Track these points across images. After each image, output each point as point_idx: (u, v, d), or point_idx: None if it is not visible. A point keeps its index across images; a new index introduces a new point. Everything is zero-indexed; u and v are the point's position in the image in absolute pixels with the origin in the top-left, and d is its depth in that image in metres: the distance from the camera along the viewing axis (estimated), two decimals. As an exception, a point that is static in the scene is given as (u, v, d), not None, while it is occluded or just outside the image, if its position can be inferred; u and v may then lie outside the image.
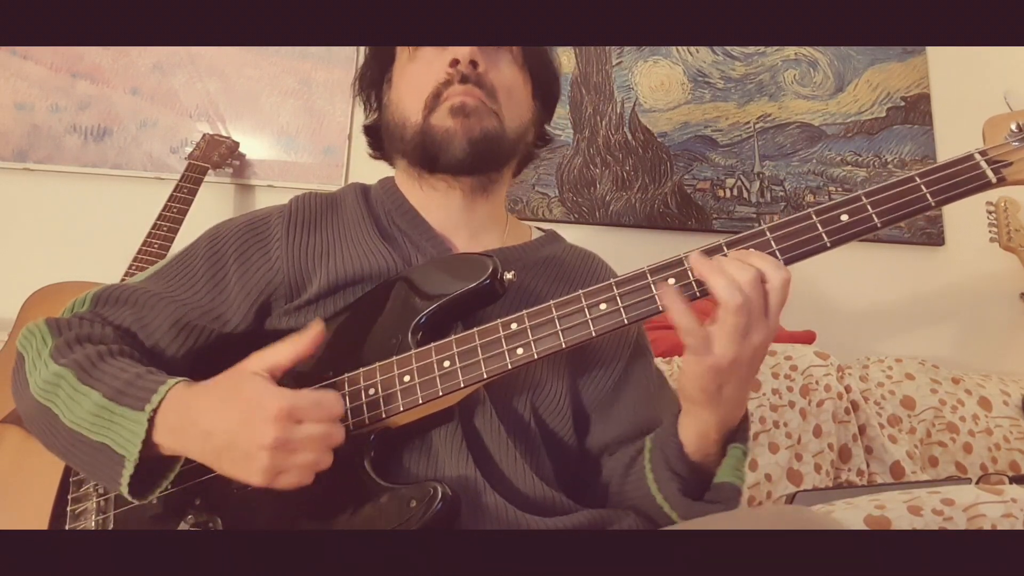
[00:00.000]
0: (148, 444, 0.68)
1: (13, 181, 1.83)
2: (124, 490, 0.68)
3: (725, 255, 0.68)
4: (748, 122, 2.00)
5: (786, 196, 1.96)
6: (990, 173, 0.67)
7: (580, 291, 0.71)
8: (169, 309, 0.83)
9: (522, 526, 0.72)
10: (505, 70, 0.90)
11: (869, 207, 0.68)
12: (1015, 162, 0.67)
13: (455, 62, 0.85)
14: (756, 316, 0.65)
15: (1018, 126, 0.67)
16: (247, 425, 0.65)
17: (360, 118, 1.01)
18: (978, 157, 0.68)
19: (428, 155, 0.87)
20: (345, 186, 0.96)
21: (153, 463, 0.70)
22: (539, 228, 1.01)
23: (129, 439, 0.68)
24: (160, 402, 0.69)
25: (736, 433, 0.75)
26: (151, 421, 0.68)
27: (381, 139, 0.97)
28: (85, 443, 0.70)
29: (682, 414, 0.75)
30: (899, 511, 0.86)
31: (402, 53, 0.91)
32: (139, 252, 1.54)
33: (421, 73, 0.88)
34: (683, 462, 0.75)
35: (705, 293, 0.68)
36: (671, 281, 0.69)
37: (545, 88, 0.97)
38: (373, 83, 0.96)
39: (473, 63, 0.85)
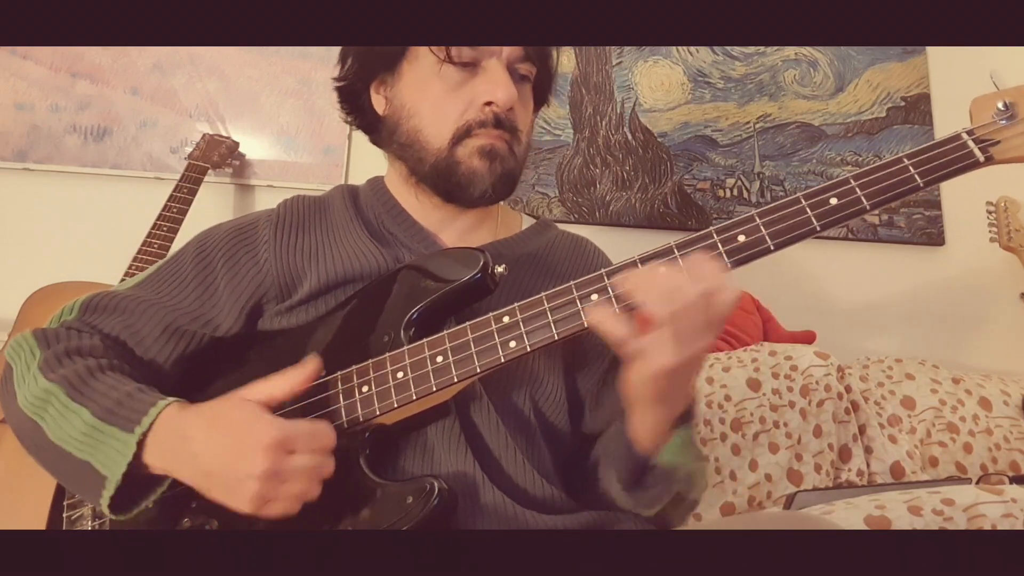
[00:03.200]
0: (137, 464, 0.68)
1: (13, 181, 1.83)
2: (104, 507, 0.68)
3: (675, 256, 0.68)
4: (748, 122, 2.00)
5: (786, 196, 1.96)
6: (978, 152, 0.67)
7: (571, 282, 0.71)
8: (159, 315, 0.83)
9: (521, 522, 0.73)
10: (527, 108, 0.90)
11: (858, 189, 0.68)
12: (1002, 140, 0.67)
13: (490, 103, 0.83)
14: (693, 325, 0.64)
15: (1005, 104, 0.67)
16: (238, 453, 0.65)
17: (336, 85, 0.98)
18: (965, 136, 0.68)
19: (448, 188, 0.86)
20: (332, 189, 0.95)
21: (141, 482, 0.70)
22: (531, 215, 1.01)
23: (115, 460, 0.68)
24: (151, 424, 0.69)
25: (680, 418, 0.74)
26: (140, 443, 0.68)
27: (356, 103, 0.94)
28: (69, 460, 0.70)
29: (629, 415, 0.74)
30: (899, 511, 0.86)
31: (423, 57, 0.86)
32: (139, 252, 1.54)
33: (447, 96, 0.85)
34: (631, 459, 0.75)
35: None
36: (662, 270, 0.68)
37: (539, 109, 0.97)
38: (381, 60, 0.91)
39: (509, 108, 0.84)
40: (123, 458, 0.68)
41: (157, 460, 0.69)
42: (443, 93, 0.85)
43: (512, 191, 0.90)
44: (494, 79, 0.84)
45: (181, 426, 0.69)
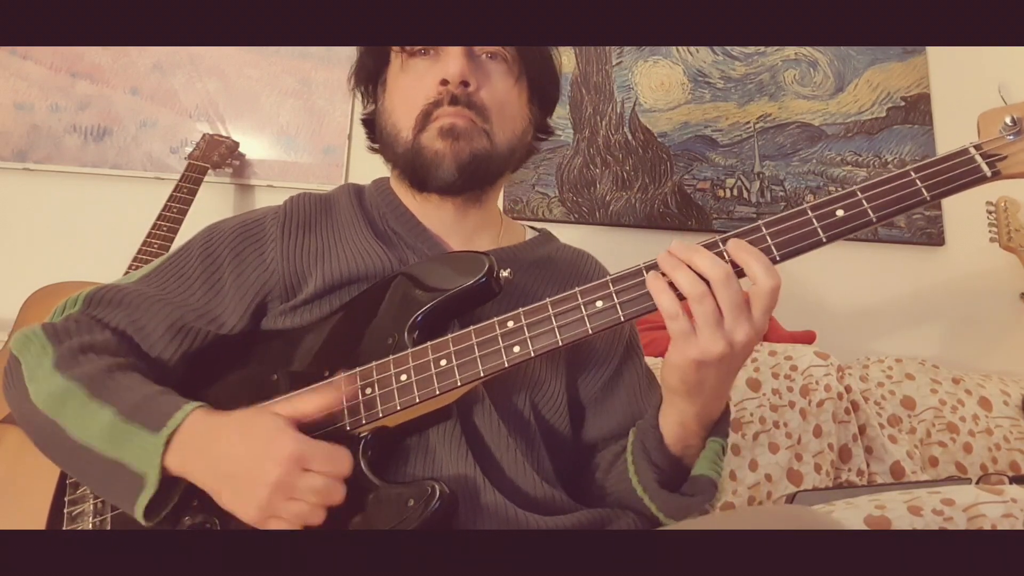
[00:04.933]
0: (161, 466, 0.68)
1: (13, 181, 1.83)
2: (139, 513, 0.68)
3: (720, 251, 0.68)
4: (748, 122, 2.00)
5: (786, 196, 1.96)
6: (985, 167, 0.67)
7: (576, 288, 0.71)
8: (164, 311, 0.82)
9: (522, 524, 0.73)
10: (498, 85, 0.88)
11: (864, 202, 0.68)
12: (1009, 155, 0.67)
13: (445, 82, 0.84)
14: (738, 314, 0.65)
15: (1013, 119, 0.67)
16: (256, 459, 0.65)
17: (360, 118, 1.00)
18: (973, 151, 0.68)
19: (417, 175, 0.87)
20: (338, 187, 0.95)
21: (166, 484, 0.69)
22: (532, 227, 1.00)
23: (147, 460, 0.68)
24: (178, 426, 0.69)
25: (716, 426, 0.76)
26: (166, 444, 0.68)
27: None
28: (96, 459, 0.70)
29: (663, 405, 0.76)
30: (899, 511, 0.86)
31: (395, 58, 0.89)
32: (139, 252, 1.54)
33: (412, 86, 0.87)
34: (662, 453, 0.76)
35: None
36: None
37: (543, 92, 0.95)
38: (369, 78, 0.95)
39: (464, 83, 0.84)
40: (154, 459, 0.68)
41: (176, 461, 0.69)
42: (409, 84, 0.87)
43: (488, 178, 0.89)
44: (447, 57, 0.85)
45: (209, 430, 0.69)
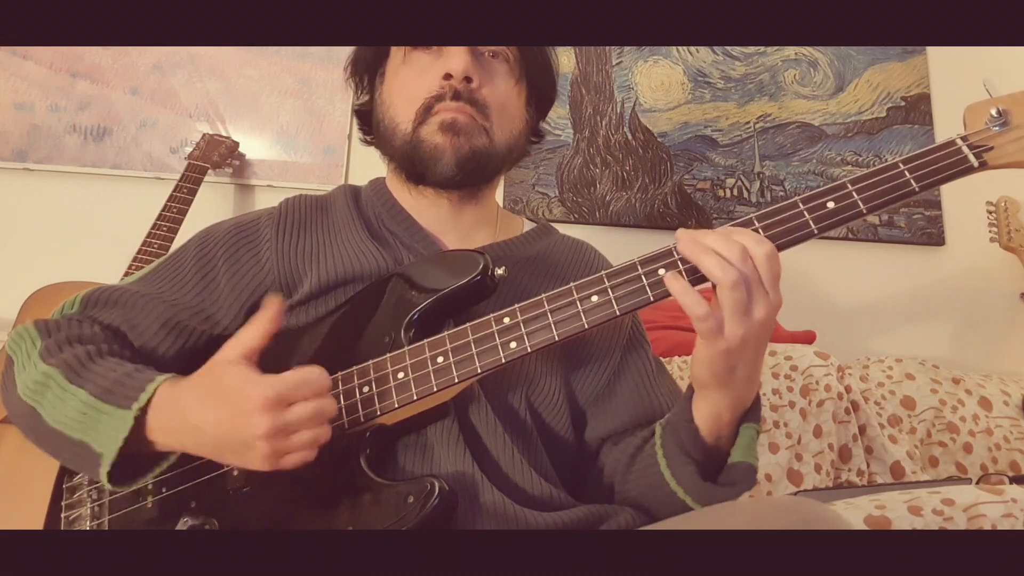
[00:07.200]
0: (140, 441, 0.69)
1: (13, 181, 1.83)
2: (104, 480, 0.69)
3: (675, 259, 0.69)
4: (748, 122, 2.00)
5: (786, 196, 1.96)
6: (972, 157, 0.68)
7: (571, 284, 0.72)
8: (159, 309, 0.83)
9: (520, 521, 0.73)
10: (500, 84, 0.89)
11: (854, 194, 0.69)
12: (996, 147, 0.68)
13: (448, 76, 0.84)
14: (754, 290, 0.66)
15: (998, 111, 0.69)
16: (238, 417, 0.65)
17: (353, 108, 1.00)
18: (960, 142, 0.69)
19: (415, 169, 0.87)
20: (335, 188, 0.96)
21: (141, 458, 0.71)
22: (531, 219, 1.00)
23: (111, 437, 0.68)
24: (149, 400, 0.69)
25: (749, 413, 0.75)
26: (141, 419, 0.69)
27: (371, 122, 0.96)
28: (66, 441, 0.71)
29: (695, 398, 0.75)
30: (899, 511, 0.86)
31: (397, 52, 0.90)
32: (139, 252, 1.54)
33: (414, 80, 0.87)
34: (698, 446, 0.75)
35: (698, 281, 0.68)
36: (662, 271, 0.69)
37: (541, 95, 0.96)
38: (367, 68, 0.95)
39: (467, 79, 0.84)
40: (119, 434, 0.68)
41: (161, 436, 0.70)
42: (410, 78, 0.88)
43: (486, 175, 0.89)
44: (451, 53, 0.85)
45: (177, 399, 0.69)
